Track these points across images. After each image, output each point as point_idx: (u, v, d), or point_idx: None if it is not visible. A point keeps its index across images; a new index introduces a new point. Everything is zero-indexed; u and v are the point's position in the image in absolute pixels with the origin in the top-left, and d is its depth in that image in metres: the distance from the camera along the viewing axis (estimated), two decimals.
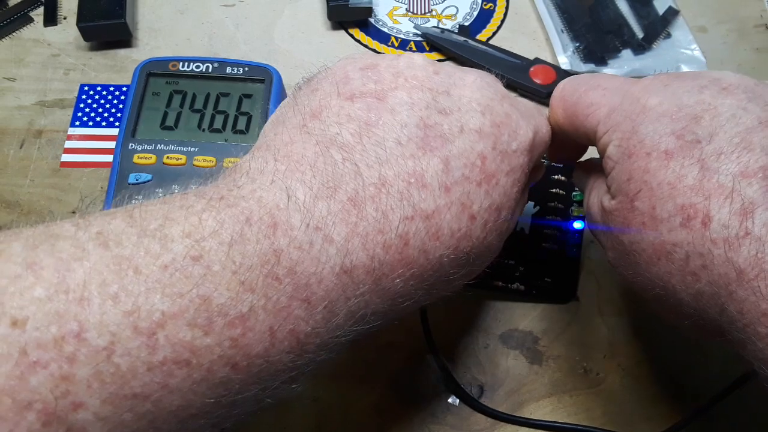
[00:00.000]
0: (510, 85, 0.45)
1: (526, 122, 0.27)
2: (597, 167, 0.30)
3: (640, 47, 0.47)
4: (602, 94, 0.28)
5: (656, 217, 0.24)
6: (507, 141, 0.26)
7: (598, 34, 0.47)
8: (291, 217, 0.21)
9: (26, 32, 0.47)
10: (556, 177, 0.40)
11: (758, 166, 0.22)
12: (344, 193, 0.22)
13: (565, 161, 0.38)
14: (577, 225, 0.39)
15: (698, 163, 0.23)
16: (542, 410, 0.35)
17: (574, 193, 0.40)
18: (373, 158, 0.23)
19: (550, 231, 0.39)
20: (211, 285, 0.19)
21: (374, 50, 0.47)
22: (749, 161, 0.22)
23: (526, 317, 0.38)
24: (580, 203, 0.39)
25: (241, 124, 0.40)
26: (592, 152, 0.31)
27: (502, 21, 0.49)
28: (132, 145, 0.39)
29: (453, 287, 0.27)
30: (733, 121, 0.24)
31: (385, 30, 0.48)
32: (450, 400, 0.35)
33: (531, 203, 0.39)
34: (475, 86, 0.26)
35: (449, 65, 0.27)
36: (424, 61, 0.26)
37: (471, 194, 0.24)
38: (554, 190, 0.40)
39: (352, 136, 0.23)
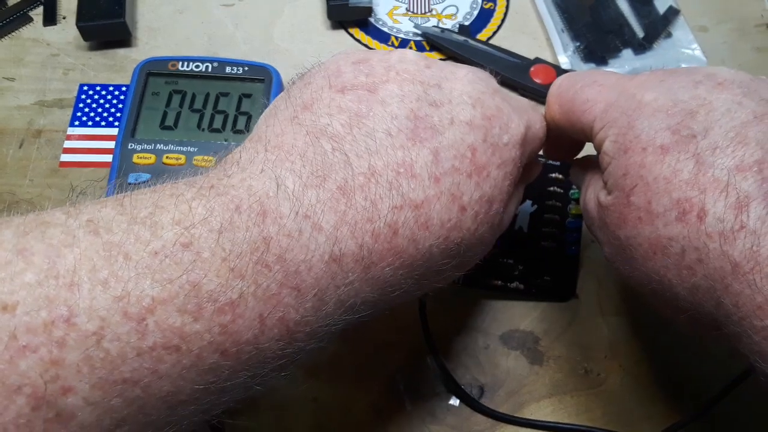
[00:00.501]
0: (510, 85, 0.45)
1: (518, 116, 0.27)
2: (593, 164, 0.30)
3: (641, 47, 0.47)
4: (598, 91, 0.28)
5: (652, 211, 0.24)
6: (498, 134, 0.26)
7: (598, 34, 0.47)
8: (280, 205, 0.22)
9: (25, 32, 0.47)
10: (553, 175, 0.40)
11: (753, 160, 0.22)
12: (333, 182, 0.22)
13: (561, 159, 0.38)
14: None
15: (694, 158, 0.23)
16: (543, 411, 0.35)
17: (571, 191, 0.40)
18: (363, 148, 0.23)
19: (548, 229, 0.39)
20: (201, 271, 0.19)
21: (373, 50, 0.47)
22: (744, 155, 0.22)
23: (526, 317, 0.37)
24: (578, 201, 0.39)
25: (241, 124, 0.40)
26: (588, 149, 0.31)
27: (503, 20, 0.49)
28: (131, 145, 0.39)
29: (444, 278, 0.27)
30: (728, 115, 0.24)
31: (385, 29, 0.48)
32: (450, 401, 0.35)
33: (529, 202, 0.39)
34: (466, 80, 0.26)
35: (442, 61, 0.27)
36: (416, 56, 0.27)
37: (461, 185, 0.24)
38: (551, 188, 0.40)
39: (343, 127, 0.24)
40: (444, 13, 0.49)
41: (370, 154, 0.23)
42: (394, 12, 0.49)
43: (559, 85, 0.30)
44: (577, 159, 0.34)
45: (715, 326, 0.23)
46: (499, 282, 0.38)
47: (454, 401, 0.35)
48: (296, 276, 0.21)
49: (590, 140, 0.29)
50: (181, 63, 0.42)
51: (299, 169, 0.23)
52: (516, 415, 0.35)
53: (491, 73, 0.29)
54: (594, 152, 0.29)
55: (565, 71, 0.45)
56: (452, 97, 0.25)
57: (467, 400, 0.35)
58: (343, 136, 0.23)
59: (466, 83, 0.26)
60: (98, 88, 0.44)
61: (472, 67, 0.28)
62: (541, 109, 0.32)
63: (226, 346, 0.20)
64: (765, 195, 0.21)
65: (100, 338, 0.18)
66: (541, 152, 0.33)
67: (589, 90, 0.28)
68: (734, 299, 0.22)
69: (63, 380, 0.18)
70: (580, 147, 0.34)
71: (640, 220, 0.24)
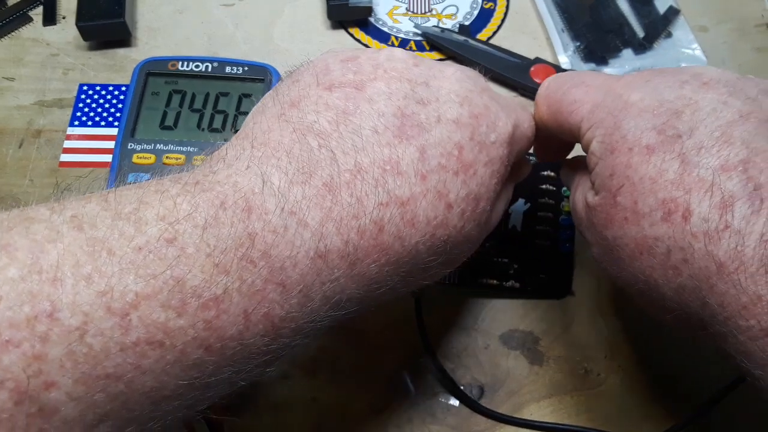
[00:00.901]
0: (511, 85, 0.45)
1: (506, 115, 0.27)
2: (582, 164, 0.30)
3: (641, 47, 0.47)
4: (585, 91, 0.28)
5: (638, 211, 0.24)
6: (485, 132, 0.26)
7: (598, 34, 0.47)
8: (266, 201, 0.22)
9: (25, 32, 0.47)
10: (545, 173, 0.40)
11: (738, 159, 0.22)
12: (319, 179, 0.23)
13: (551, 159, 0.39)
14: None
15: (679, 158, 0.23)
16: (542, 411, 0.35)
17: (564, 188, 0.40)
18: (350, 145, 0.23)
19: (542, 227, 0.39)
20: (185, 267, 0.19)
21: None
22: (729, 155, 0.23)
23: (526, 317, 0.37)
24: None
25: (241, 124, 0.40)
26: (578, 151, 0.31)
27: (503, 20, 0.49)
28: (131, 145, 0.39)
29: (431, 276, 0.27)
30: (714, 115, 0.24)
31: (385, 29, 0.48)
32: (450, 401, 0.35)
33: (522, 200, 0.39)
34: (454, 78, 0.26)
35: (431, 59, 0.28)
36: (405, 54, 0.27)
37: (447, 183, 0.24)
38: (544, 186, 0.40)
39: (329, 124, 0.24)
40: (444, 13, 0.49)
41: (357, 151, 0.23)
42: (394, 12, 0.49)
43: (546, 86, 0.31)
44: (567, 160, 0.34)
45: (701, 326, 0.23)
46: (495, 281, 0.38)
47: (454, 401, 0.35)
48: (281, 272, 0.21)
49: (578, 141, 0.29)
50: (181, 63, 0.42)
51: (285, 166, 0.23)
52: (516, 415, 0.35)
53: (480, 71, 0.29)
54: (584, 154, 0.29)
55: (566, 71, 0.45)
56: (439, 95, 0.26)
57: (465, 400, 0.35)
58: (330, 134, 0.24)
59: (454, 81, 0.26)
60: (98, 88, 0.44)
61: (461, 66, 0.28)
62: (532, 108, 0.32)
63: (210, 342, 0.20)
64: (750, 195, 0.21)
65: (83, 333, 0.18)
66: (531, 151, 0.33)
67: (576, 91, 0.29)
68: (719, 299, 0.22)
69: (46, 375, 0.18)
70: (570, 148, 0.34)
71: (626, 220, 0.25)
